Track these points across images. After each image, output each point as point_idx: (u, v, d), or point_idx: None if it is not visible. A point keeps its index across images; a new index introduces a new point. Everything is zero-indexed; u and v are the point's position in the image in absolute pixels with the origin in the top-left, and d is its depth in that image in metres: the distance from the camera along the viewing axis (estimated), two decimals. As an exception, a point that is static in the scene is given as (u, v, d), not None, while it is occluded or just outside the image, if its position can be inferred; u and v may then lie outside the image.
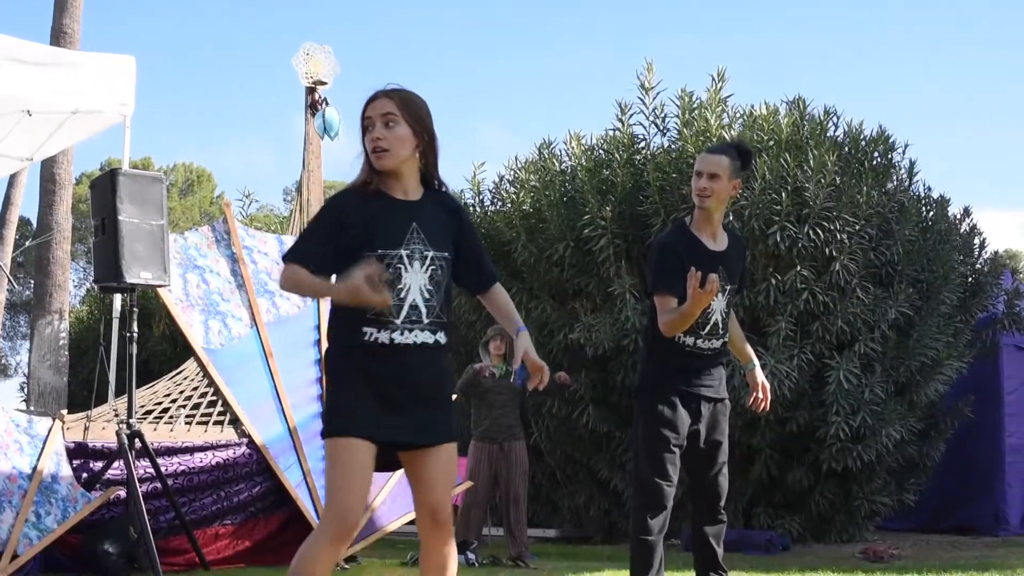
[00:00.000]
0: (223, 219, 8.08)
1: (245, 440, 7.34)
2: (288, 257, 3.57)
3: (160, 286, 7.10)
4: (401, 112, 3.55)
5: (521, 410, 9.03)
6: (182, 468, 7.03)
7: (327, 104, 7.79)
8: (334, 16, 53.97)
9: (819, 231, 9.10)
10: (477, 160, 19.73)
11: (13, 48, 7.65)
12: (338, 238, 3.53)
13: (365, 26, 55.22)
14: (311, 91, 8.13)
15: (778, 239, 9.06)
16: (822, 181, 9.14)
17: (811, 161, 9.18)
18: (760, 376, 5.11)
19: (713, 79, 10.11)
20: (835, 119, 9.99)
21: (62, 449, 6.50)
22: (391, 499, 7.64)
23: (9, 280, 13.04)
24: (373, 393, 3.53)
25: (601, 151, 10.58)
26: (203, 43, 56.89)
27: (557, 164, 10.76)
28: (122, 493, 6.59)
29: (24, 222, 24.37)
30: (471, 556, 8.32)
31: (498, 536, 9.34)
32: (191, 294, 7.62)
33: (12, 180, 17.49)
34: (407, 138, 3.55)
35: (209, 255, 7.82)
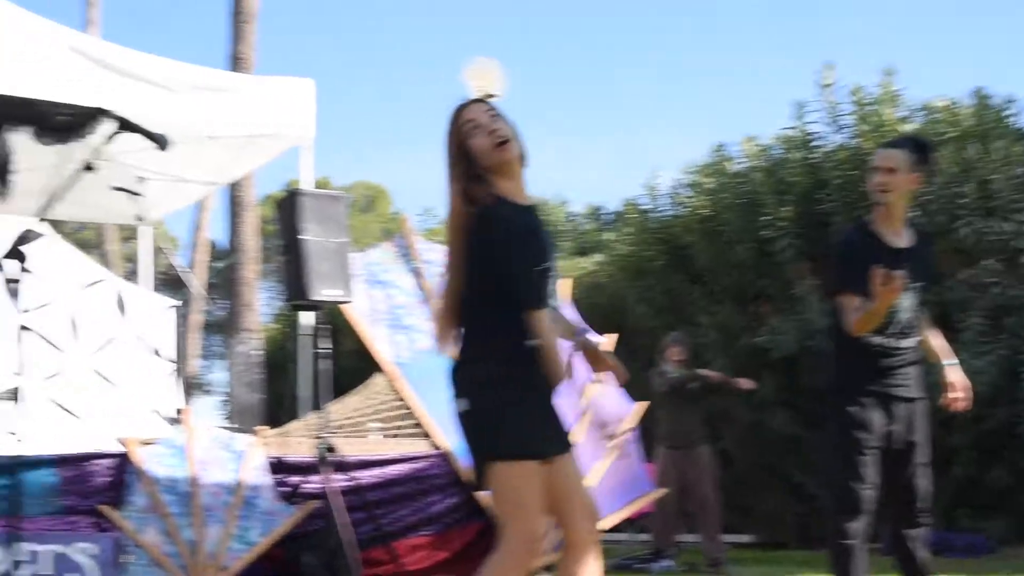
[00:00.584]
0: (403, 234, 8.19)
1: (437, 451, 7.42)
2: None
3: (345, 302, 7.24)
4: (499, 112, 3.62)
5: (706, 415, 8.93)
6: (377, 480, 7.15)
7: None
8: (500, 28, 54.44)
9: (1007, 223, 8.74)
10: (646, 165, 19.66)
11: (194, 76, 7.91)
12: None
13: (528, 37, 55.48)
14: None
15: (965, 233, 8.73)
16: (1008, 172, 8.78)
17: (996, 152, 8.83)
18: (958, 374, 4.93)
19: (884, 74, 9.86)
20: (1017, 108, 9.61)
21: (262, 464, 6.68)
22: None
23: (203, 302, 13.49)
24: (541, 403, 3.50)
25: (777, 151, 10.41)
26: (374, 62, 58.03)
27: (733, 166, 10.63)
28: (321, 506, 6.73)
29: (214, 244, 25.26)
30: (668, 564, 8.25)
31: (693, 543, 9.25)
32: (376, 309, 7.74)
33: (200, 205, 18.14)
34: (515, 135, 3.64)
35: (392, 270, 7.93)
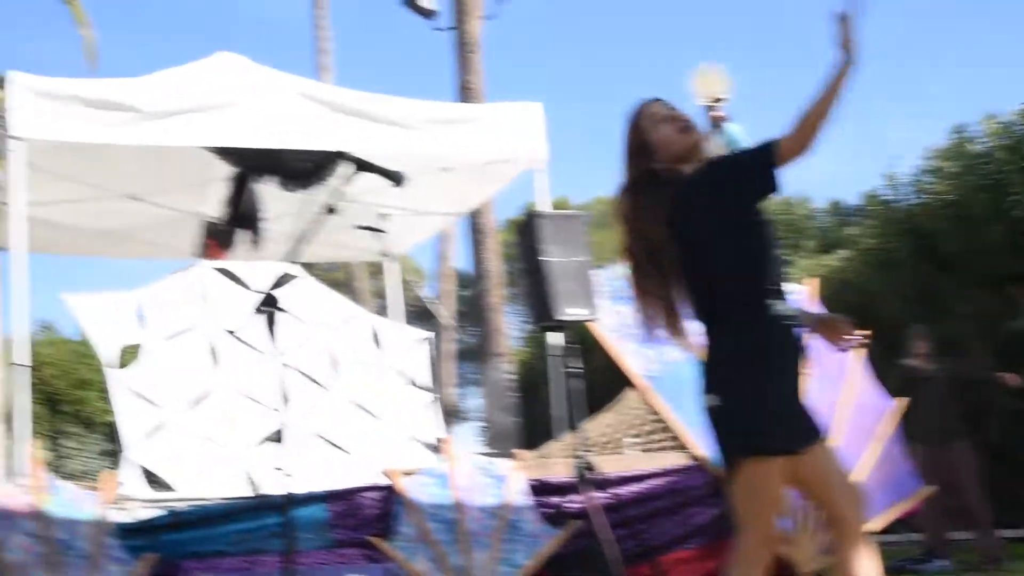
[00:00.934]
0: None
1: (696, 462, 7.31)
2: None
3: (591, 320, 7.22)
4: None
5: (964, 409, 8.52)
6: (638, 496, 7.09)
7: (728, 120, 7.67)
8: (721, 27, 53.78)
9: None
10: (884, 155, 19.05)
11: (426, 111, 8.08)
12: None
13: (752, 31, 54.61)
14: (709, 109, 8.04)
15: None
16: None
17: None
18: None
19: None
20: None
21: (523, 487, 6.72)
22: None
23: (453, 331, 13.75)
24: (784, 395, 3.41)
25: (1020, 127, 9.88)
26: (600, 79, 58.24)
27: (974, 147, 10.15)
28: (584, 525, 6.70)
29: (459, 273, 25.79)
30: (944, 563, 7.89)
31: (967, 540, 8.82)
32: (623, 324, 7.69)
33: (443, 235, 18.52)
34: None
35: (636, 283, 7.87)
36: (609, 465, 7.10)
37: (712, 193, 3.48)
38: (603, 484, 6.74)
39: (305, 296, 14.40)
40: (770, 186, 3.43)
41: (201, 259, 9.27)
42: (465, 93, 16.25)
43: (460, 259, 24.36)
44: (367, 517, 6.60)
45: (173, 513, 6.67)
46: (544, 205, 8.40)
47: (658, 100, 3.80)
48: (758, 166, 3.46)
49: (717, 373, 3.51)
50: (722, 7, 55.66)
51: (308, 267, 15.11)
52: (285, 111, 7.66)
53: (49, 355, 18.58)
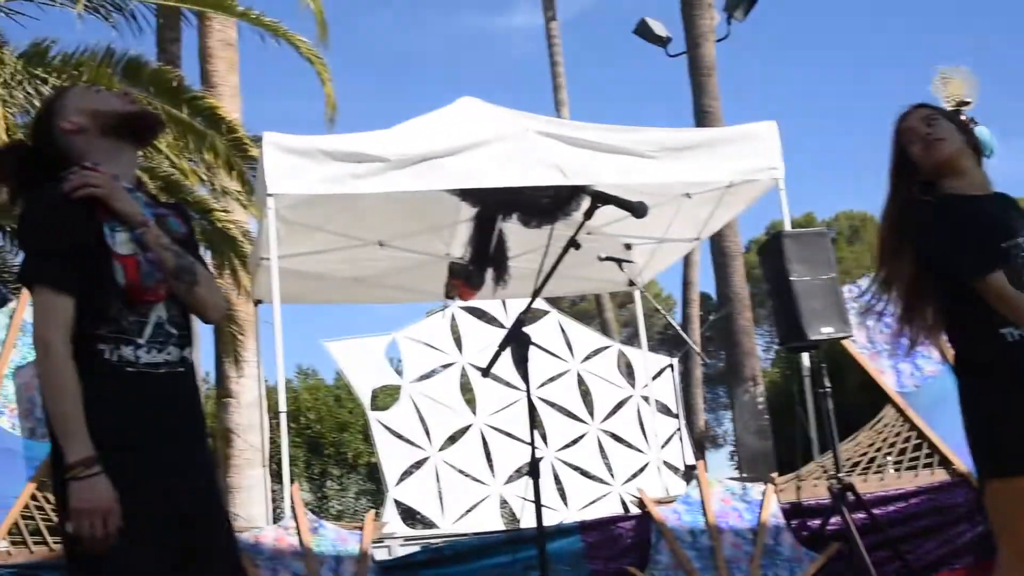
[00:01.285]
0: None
1: (958, 480, 7.05)
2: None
3: (843, 338, 7.07)
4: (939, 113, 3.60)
5: None
6: (898, 516, 6.88)
7: (976, 123, 7.42)
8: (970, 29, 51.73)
9: None
10: None
11: (664, 138, 8.10)
12: None
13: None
14: (956, 114, 7.78)
15: None
16: None
17: None
18: None
19: None
20: None
21: (779, 511, 6.62)
22: None
23: (700, 356, 13.68)
24: None
25: None
26: (836, 91, 56.90)
27: None
28: (843, 547, 6.55)
29: (705, 297, 25.59)
30: None
31: None
32: (876, 340, 7.51)
33: (687, 260, 18.48)
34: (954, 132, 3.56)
35: (888, 299, 7.67)
36: (867, 485, 6.93)
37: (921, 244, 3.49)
38: (862, 505, 6.57)
39: (554, 329, 14.65)
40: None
41: (450, 300, 9.51)
42: (703, 116, 16.22)
43: (706, 283, 24.25)
44: (623, 547, 6.63)
45: (431, 549, 6.85)
46: (787, 224, 8.28)
47: (919, 108, 3.68)
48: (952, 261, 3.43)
49: (960, 388, 3.48)
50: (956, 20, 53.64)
51: (555, 301, 15.34)
52: (525, 149, 7.82)
53: (309, 400, 19.37)
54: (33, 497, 6.46)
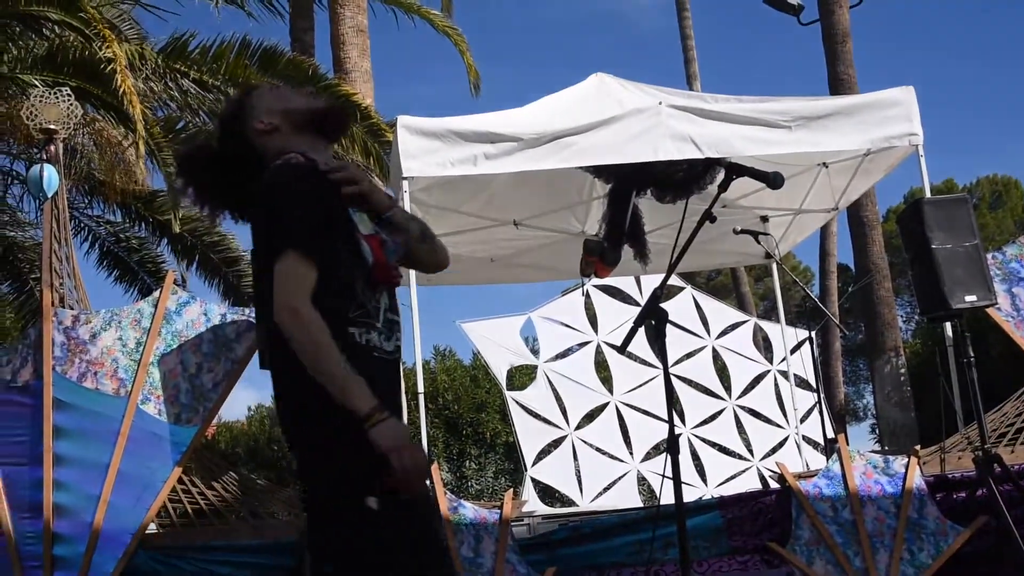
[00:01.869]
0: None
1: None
2: None
3: (988, 306, 6.91)
4: None
5: None
6: (1050, 489, 6.72)
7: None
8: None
9: None
10: None
11: (799, 108, 8.00)
12: None
13: None
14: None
15: None
16: None
17: None
18: None
19: None
20: None
21: (922, 484, 6.52)
22: None
23: (840, 328, 13.47)
24: None
25: None
26: (973, 54, 55.22)
27: None
28: (990, 520, 6.42)
29: (843, 268, 25.15)
30: None
31: None
32: (1021, 308, 7.33)
33: (824, 231, 18.20)
34: None
35: (1035, 264, 7.49)
36: (1014, 456, 6.77)
37: None
38: (1008, 476, 6.42)
39: (689, 305, 14.60)
40: None
41: (586, 278, 9.54)
42: (838, 85, 15.96)
43: (844, 254, 23.83)
44: (763, 522, 6.59)
45: (570, 527, 6.89)
46: (926, 191, 8.12)
47: None
48: None
49: None
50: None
51: (690, 276, 15.26)
52: (658, 124, 7.79)
53: (446, 381, 19.60)
54: (180, 480, 6.70)
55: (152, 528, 6.74)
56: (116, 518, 6.34)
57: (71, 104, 7.01)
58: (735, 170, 4.04)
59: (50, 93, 7.05)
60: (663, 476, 4.10)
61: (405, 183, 7.61)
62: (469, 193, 9.00)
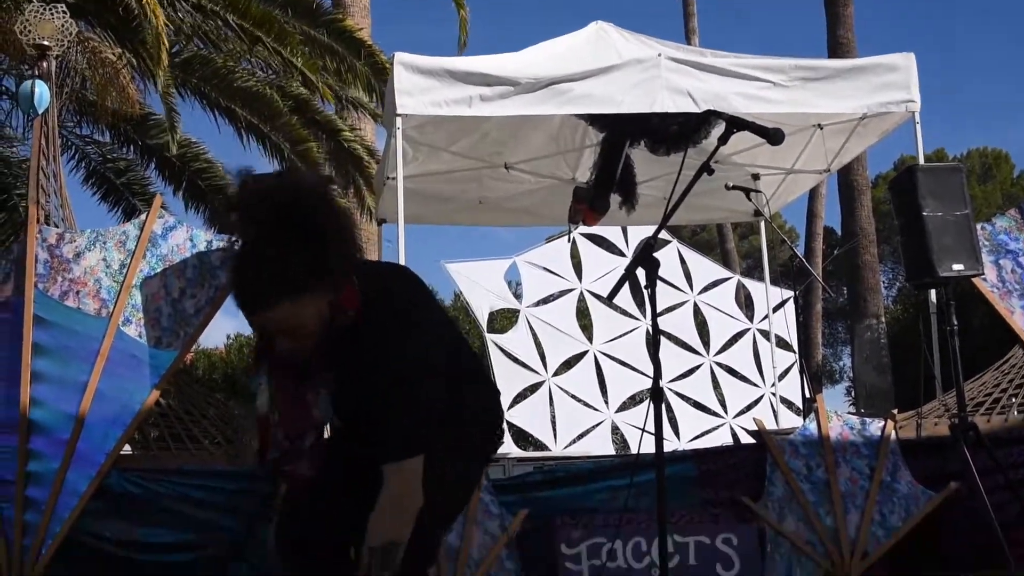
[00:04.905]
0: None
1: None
2: None
3: (974, 276, 6.92)
4: None
5: None
6: (1021, 458, 6.76)
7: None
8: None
9: None
10: None
11: (798, 68, 7.97)
12: None
13: None
14: None
15: None
16: None
17: None
18: None
19: None
20: None
21: (897, 448, 6.56)
22: None
23: (825, 289, 13.51)
24: None
25: None
26: (966, 25, 55.03)
27: None
28: (962, 487, 6.47)
29: (829, 231, 25.19)
30: None
31: None
32: (1007, 280, 7.35)
33: (813, 193, 18.22)
34: None
35: (1021, 238, 7.50)
36: (990, 426, 6.81)
37: None
38: (983, 445, 6.46)
39: (673, 259, 14.61)
40: None
41: (573, 225, 9.53)
42: (837, 48, 15.90)
43: (831, 217, 23.84)
44: (737, 477, 6.63)
45: (545, 471, 6.92)
46: (920, 159, 8.12)
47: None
48: None
49: None
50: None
51: (676, 230, 15.27)
52: (656, 76, 7.76)
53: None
54: (157, 404, 6.69)
55: (127, 450, 6.74)
56: (91, 437, 6.32)
57: (66, 21, 6.92)
58: (736, 123, 4.02)
59: (45, 8, 6.95)
60: (642, 429, 4.10)
61: (398, 120, 7.57)
62: (461, 134, 8.95)
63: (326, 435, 2.89)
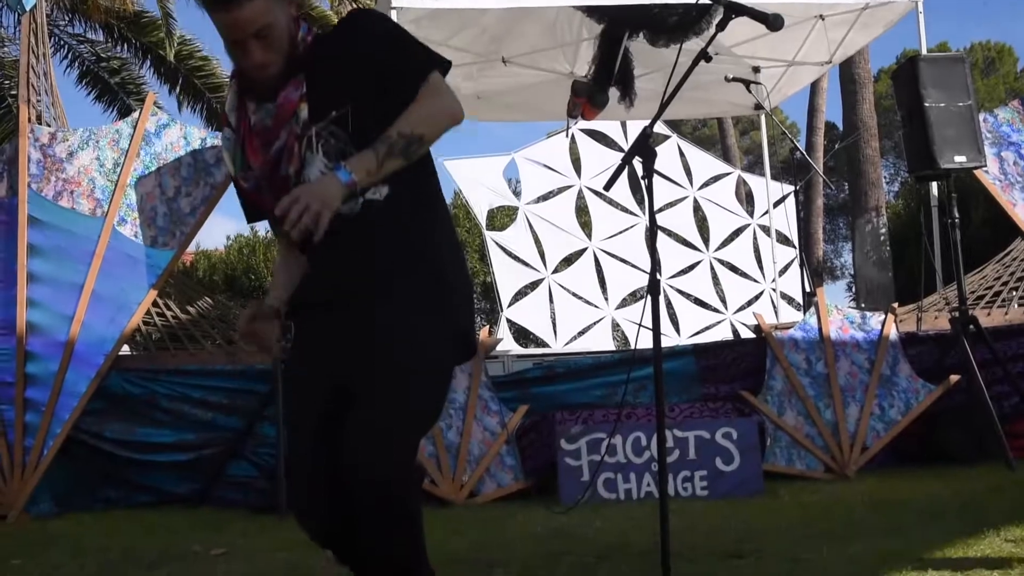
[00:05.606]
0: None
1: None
2: None
3: (976, 167, 6.85)
4: None
5: None
6: (1021, 351, 6.76)
7: None
8: None
9: None
10: None
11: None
12: None
13: None
14: None
15: None
16: None
17: None
18: None
19: None
20: None
21: (897, 341, 6.55)
22: None
23: (826, 184, 13.42)
24: None
25: None
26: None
27: None
28: (962, 380, 6.47)
29: (830, 126, 24.98)
30: None
31: None
32: (1009, 172, 7.28)
33: (814, 87, 17.99)
34: None
35: (1023, 130, 7.41)
36: (990, 319, 6.80)
37: None
38: (983, 338, 6.46)
39: (673, 154, 14.49)
40: None
41: (572, 120, 9.42)
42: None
43: (832, 111, 23.60)
44: (737, 371, 6.64)
45: (544, 367, 6.92)
46: (923, 51, 7.98)
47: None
48: None
49: None
50: None
51: (676, 125, 15.12)
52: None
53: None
54: (155, 304, 6.67)
55: (125, 350, 6.74)
56: (89, 338, 6.32)
57: (52, -87, 6.77)
58: (733, 9, 3.91)
59: (30, -100, 6.79)
60: (640, 325, 4.07)
61: (394, 13, 7.43)
62: (458, 27, 8.80)
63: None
